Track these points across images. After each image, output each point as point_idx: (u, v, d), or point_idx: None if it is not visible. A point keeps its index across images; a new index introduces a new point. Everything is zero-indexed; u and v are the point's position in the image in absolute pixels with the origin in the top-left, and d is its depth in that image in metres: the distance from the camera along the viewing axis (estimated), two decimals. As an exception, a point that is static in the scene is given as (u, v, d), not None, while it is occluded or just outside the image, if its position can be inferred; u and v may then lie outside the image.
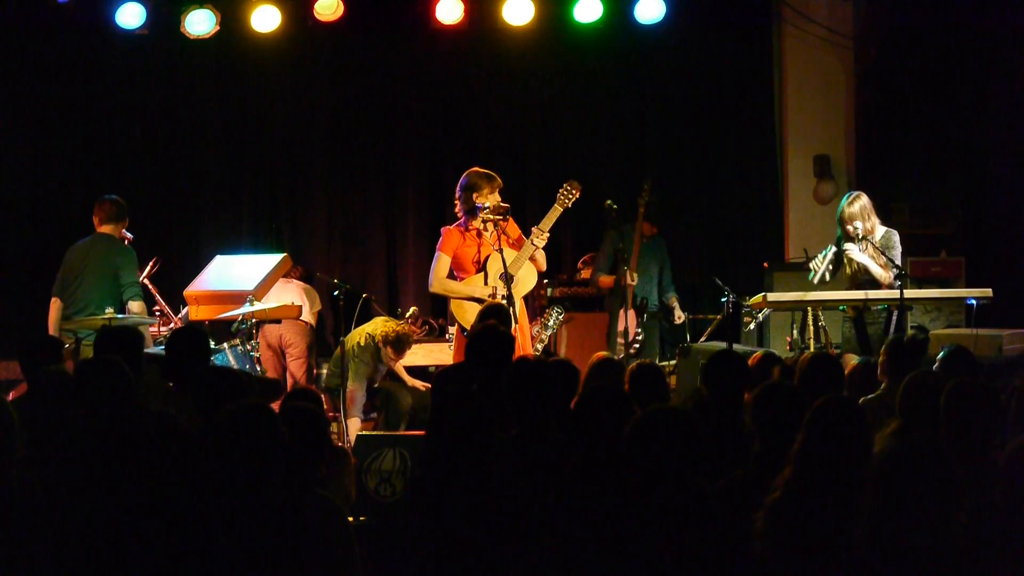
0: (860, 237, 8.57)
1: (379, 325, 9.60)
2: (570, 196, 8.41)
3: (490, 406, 4.62)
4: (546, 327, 9.23)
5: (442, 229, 8.57)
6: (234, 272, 9.55)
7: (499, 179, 8.39)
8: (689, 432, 4.02)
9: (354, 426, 9.23)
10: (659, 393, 5.82)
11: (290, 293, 10.23)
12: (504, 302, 7.86)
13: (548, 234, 8.26)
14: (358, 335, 9.57)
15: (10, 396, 8.92)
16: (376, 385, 9.76)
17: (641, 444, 3.98)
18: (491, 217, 8.19)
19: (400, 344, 9.51)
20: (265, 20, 10.76)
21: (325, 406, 8.35)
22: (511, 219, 8.39)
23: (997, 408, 4.65)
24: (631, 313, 9.51)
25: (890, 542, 3.54)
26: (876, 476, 3.60)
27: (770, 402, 4.67)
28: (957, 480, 3.57)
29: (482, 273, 8.32)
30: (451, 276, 8.40)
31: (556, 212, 8.32)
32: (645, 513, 3.95)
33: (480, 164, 11.17)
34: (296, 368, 10.22)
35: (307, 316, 10.31)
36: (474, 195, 8.31)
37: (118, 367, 5.46)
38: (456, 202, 8.41)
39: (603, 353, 7.07)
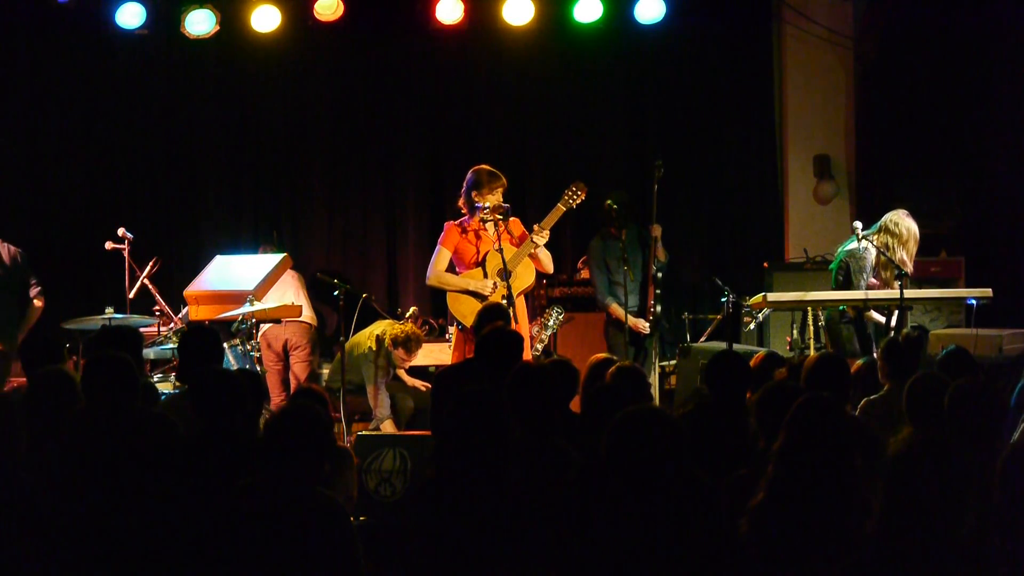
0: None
1: (386, 328, 9.54)
2: (575, 197, 8.41)
3: (504, 407, 4.63)
4: (546, 327, 9.22)
5: (445, 223, 8.60)
6: (234, 272, 9.55)
7: (504, 179, 8.41)
8: (671, 431, 4.02)
9: (388, 428, 9.18)
10: (641, 393, 5.85)
11: (289, 287, 10.17)
12: (504, 301, 7.87)
13: (549, 232, 8.27)
14: (366, 339, 9.50)
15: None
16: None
17: (622, 446, 3.99)
18: (489, 217, 8.21)
19: (410, 345, 9.44)
20: (265, 20, 10.77)
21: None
22: (515, 218, 8.40)
23: (999, 408, 4.65)
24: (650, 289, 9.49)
25: (900, 542, 3.55)
26: (887, 478, 3.61)
27: (774, 402, 4.67)
28: (965, 482, 3.57)
29: (480, 269, 8.34)
30: (451, 271, 8.43)
31: (559, 212, 8.33)
32: (647, 513, 3.95)
33: (479, 165, 11.22)
34: (301, 371, 10.18)
35: (308, 315, 10.27)
36: (474, 193, 8.34)
37: (126, 364, 5.46)
38: (461, 197, 8.44)
39: (602, 355, 7.07)
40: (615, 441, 3.98)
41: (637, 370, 6.16)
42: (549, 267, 8.50)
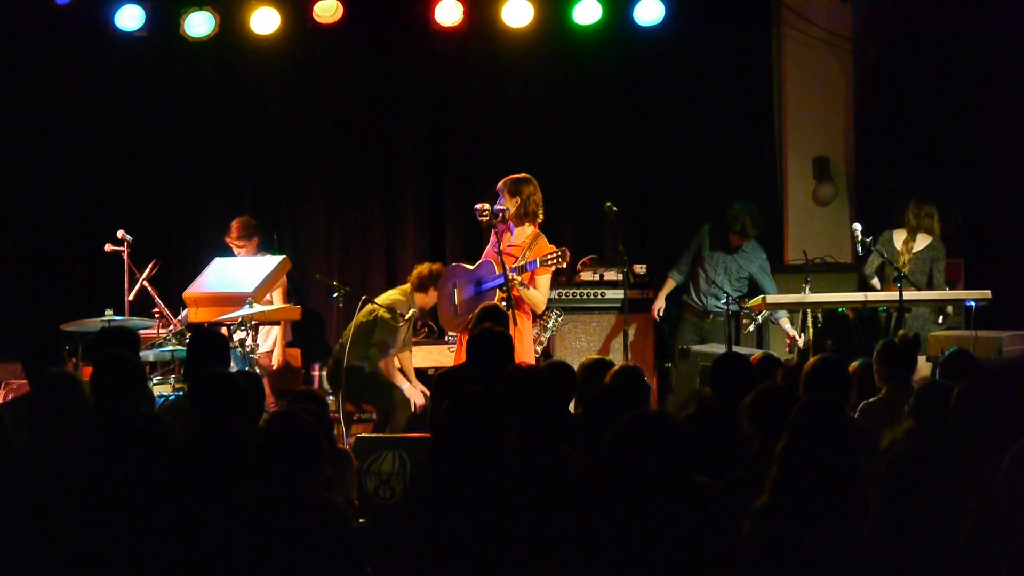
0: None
1: (390, 295, 9.50)
2: (554, 261, 8.29)
3: (499, 409, 4.63)
4: (545, 329, 9.22)
5: None
6: (233, 274, 9.54)
7: (502, 183, 8.54)
8: (678, 435, 4.02)
9: (413, 394, 9.21)
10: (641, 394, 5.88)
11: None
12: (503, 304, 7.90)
13: (519, 277, 8.27)
14: (366, 316, 9.39)
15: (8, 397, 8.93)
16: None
17: (626, 450, 3.99)
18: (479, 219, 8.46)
19: (431, 281, 9.35)
20: (264, 22, 10.76)
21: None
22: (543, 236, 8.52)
23: (1004, 408, 4.64)
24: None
25: (897, 544, 3.54)
26: (884, 477, 3.61)
27: (768, 404, 4.67)
28: (965, 483, 3.57)
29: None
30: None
31: (532, 255, 8.36)
32: (644, 516, 3.94)
33: (478, 166, 11.26)
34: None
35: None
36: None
37: (136, 366, 5.46)
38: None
39: (594, 356, 7.07)
40: (619, 444, 3.98)
41: (636, 370, 6.17)
42: (534, 307, 8.51)
